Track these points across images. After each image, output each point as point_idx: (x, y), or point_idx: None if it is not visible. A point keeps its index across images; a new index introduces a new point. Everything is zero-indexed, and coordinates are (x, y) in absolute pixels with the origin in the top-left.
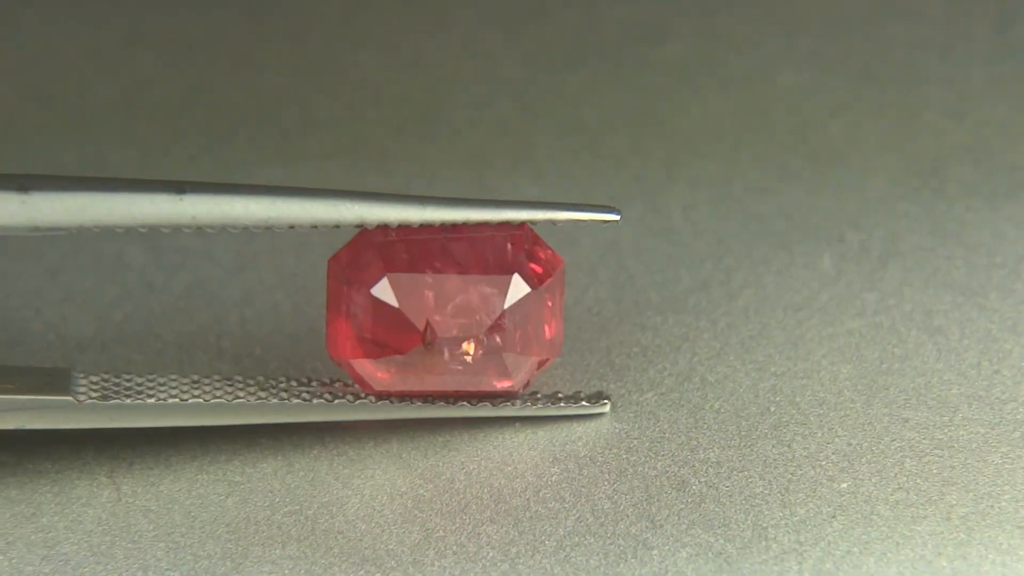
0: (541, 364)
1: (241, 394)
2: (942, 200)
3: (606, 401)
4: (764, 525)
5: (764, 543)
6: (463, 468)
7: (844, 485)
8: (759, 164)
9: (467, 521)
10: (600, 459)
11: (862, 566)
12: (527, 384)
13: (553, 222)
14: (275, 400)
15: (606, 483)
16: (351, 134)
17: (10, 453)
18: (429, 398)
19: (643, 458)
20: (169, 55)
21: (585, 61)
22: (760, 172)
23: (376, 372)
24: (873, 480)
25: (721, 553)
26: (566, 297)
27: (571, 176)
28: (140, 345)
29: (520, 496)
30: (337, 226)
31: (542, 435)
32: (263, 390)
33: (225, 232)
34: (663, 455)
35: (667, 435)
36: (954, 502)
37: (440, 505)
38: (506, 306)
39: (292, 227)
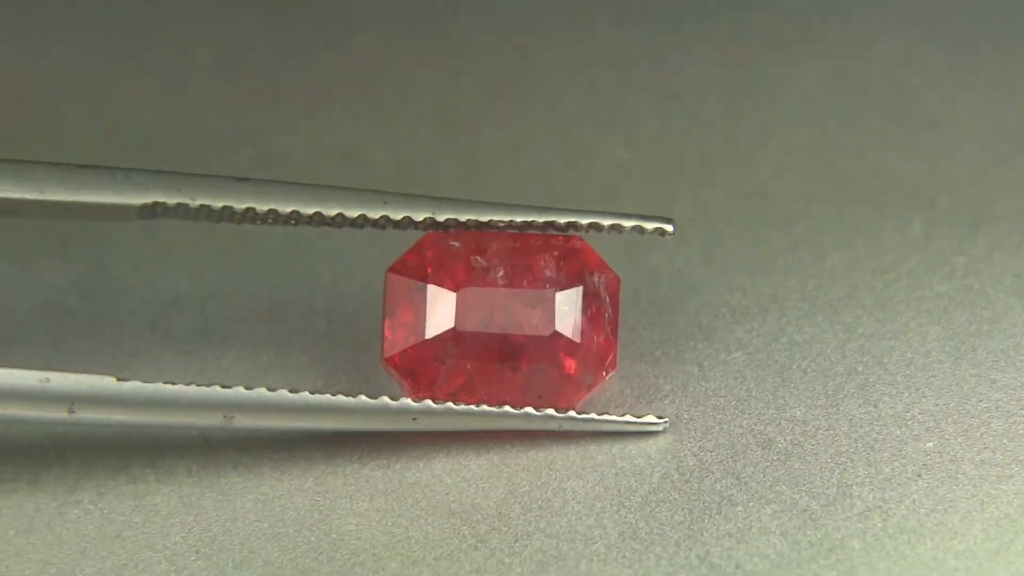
0: (596, 380)
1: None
2: None
3: (663, 420)
4: (849, 483)
5: (848, 500)
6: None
7: (930, 444)
8: (852, 128)
9: (552, 477)
10: (687, 417)
11: (947, 524)
12: (585, 398)
13: (601, 227)
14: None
15: (692, 440)
16: (444, 98)
17: None
18: (493, 406)
19: (730, 416)
20: (265, 18)
21: (679, 26)
22: (852, 136)
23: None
24: (959, 440)
25: (806, 510)
26: (658, 259)
27: (664, 141)
28: (232, 302)
29: (606, 453)
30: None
31: (629, 392)
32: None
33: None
34: (749, 413)
35: (754, 394)
36: None
37: (526, 461)
38: (561, 320)
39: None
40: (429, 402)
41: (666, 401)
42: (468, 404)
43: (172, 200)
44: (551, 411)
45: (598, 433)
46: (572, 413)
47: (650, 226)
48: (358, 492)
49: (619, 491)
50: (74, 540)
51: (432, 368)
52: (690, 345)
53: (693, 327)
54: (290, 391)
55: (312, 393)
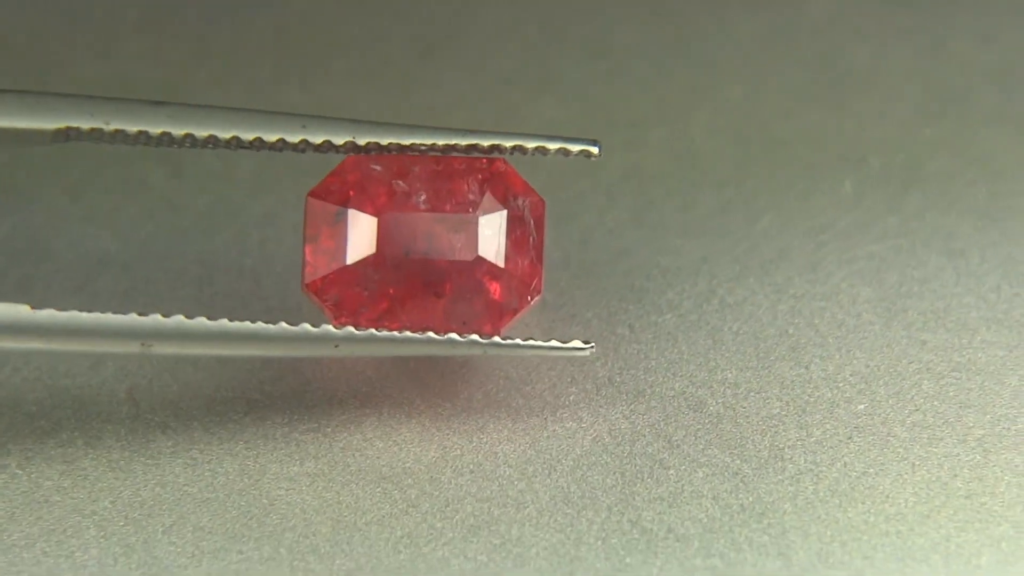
0: (521, 305)
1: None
2: (965, 126)
3: (589, 345)
4: (781, 446)
5: (780, 463)
6: (481, 388)
7: (861, 407)
8: (783, 89)
9: (484, 440)
10: (618, 380)
11: (878, 487)
12: (510, 323)
13: (525, 150)
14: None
15: (624, 403)
16: (374, 57)
17: (31, 368)
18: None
19: (661, 379)
20: None
21: None
22: (783, 97)
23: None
24: (890, 402)
25: (738, 473)
26: (588, 220)
27: (595, 100)
28: (161, 264)
29: (538, 416)
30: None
31: (560, 355)
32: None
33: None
34: (681, 376)
35: (685, 356)
36: (971, 424)
37: (457, 424)
38: (485, 244)
39: (269, 148)
40: (351, 328)
41: (597, 364)
42: (391, 330)
43: (86, 125)
44: (475, 337)
45: (533, 392)
46: (496, 339)
47: (575, 148)
48: (288, 456)
49: (551, 455)
50: (1, 505)
51: (354, 294)
52: (621, 307)
53: (624, 289)
54: (208, 318)
55: (231, 321)
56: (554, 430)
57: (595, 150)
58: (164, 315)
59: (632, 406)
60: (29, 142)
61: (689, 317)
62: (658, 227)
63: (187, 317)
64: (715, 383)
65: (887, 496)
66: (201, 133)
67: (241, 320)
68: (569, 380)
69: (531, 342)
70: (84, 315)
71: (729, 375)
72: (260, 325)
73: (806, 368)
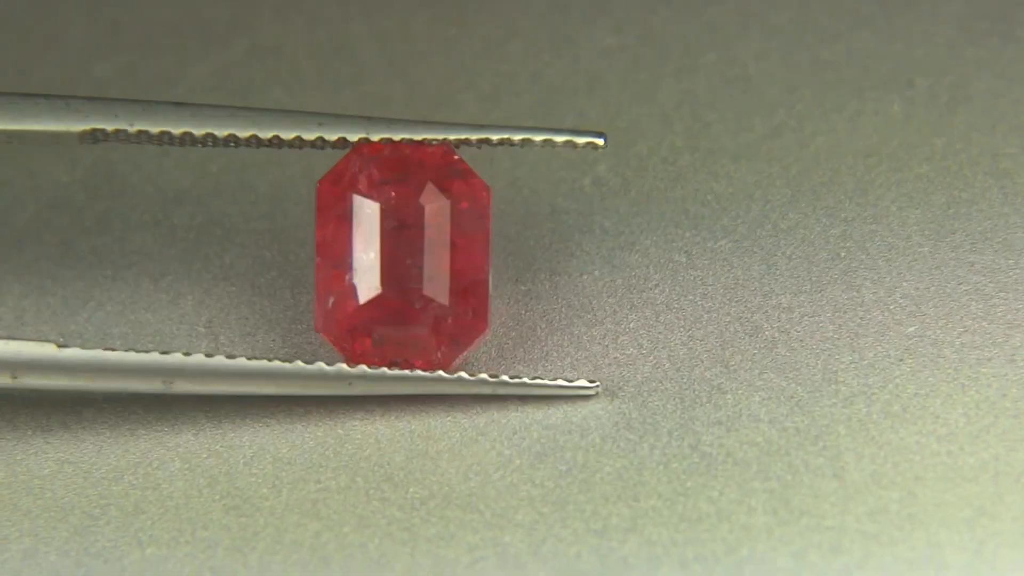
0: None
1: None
2: (1011, 44)
3: (594, 384)
4: (834, 369)
5: (834, 386)
6: (544, 316)
7: (912, 329)
8: (831, 12)
9: (548, 368)
10: (676, 306)
11: (929, 408)
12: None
13: (532, 143)
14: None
15: (682, 329)
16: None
17: (114, 303)
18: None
19: (717, 304)
20: None
21: None
22: (832, 20)
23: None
24: (940, 323)
25: (792, 396)
26: (644, 147)
27: (646, 26)
28: (234, 197)
29: (599, 343)
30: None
31: (620, 282)
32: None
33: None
34: (737, 301)
35: (741, 281)
36: (1019, 344)
37: (522, 353)
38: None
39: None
40: (364, 367)
41: (656, 291)
42: (402, 369)
43: (111, 126)
44: (484, 376)
45: (594, 320)
46: (505, 378)
47: (582, 140)
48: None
49: (613, 381)
50: (89, 439)
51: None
52: (678, 233)
53: (680, 214)
54: (227, 357)
55: (249, 360)
56: (615, 356)
57: (600, 142)
58: (185, 353)
59: (690, 332)
60: (59, 143)
61: (743, 243)
62: (711, 153)
63: (207, 356)
64: (769, 308)
65: (938, 417)
66: (221, 132)
67: (258, 358)
68: (629, 307)
69: (539, 380)
70: (109, 355)
71: (783, 300)
72: (277, 364)
73: (857, 291)
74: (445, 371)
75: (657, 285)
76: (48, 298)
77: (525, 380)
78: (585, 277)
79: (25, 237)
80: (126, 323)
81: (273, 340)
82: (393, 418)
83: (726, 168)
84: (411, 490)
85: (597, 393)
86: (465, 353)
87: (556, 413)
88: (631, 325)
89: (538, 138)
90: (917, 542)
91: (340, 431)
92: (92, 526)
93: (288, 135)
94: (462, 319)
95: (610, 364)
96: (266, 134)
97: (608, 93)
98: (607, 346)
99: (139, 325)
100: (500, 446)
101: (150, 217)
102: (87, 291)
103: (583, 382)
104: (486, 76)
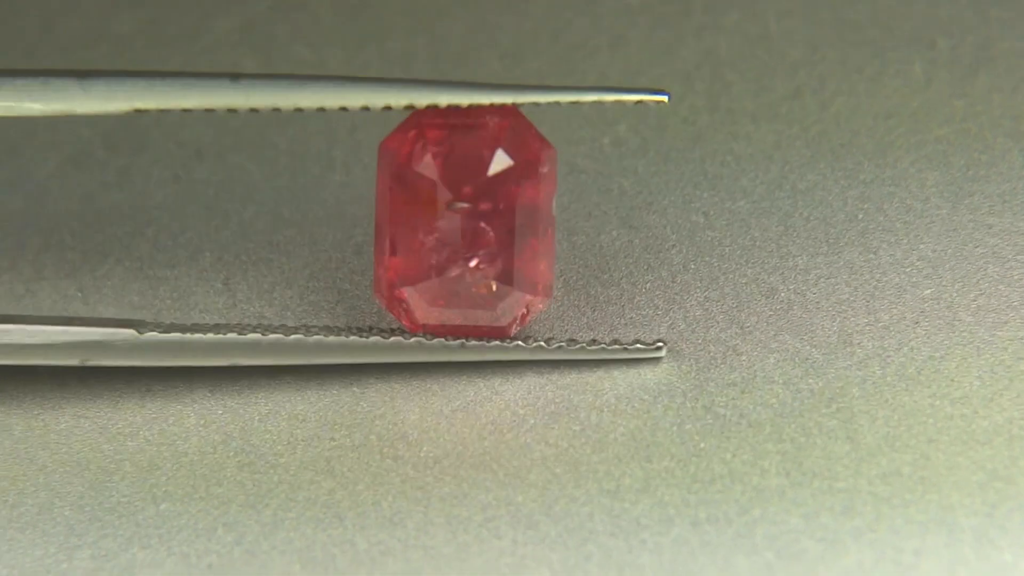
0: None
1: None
2: None
3: (660, 345)
4: (849, 331)
5: (849, 348)
6: (561, 277)
7: (928, 291)
8: None
9: (564, 328)
10: (692, 267)
11: (943, 371)
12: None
13: (603, 104)
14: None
15: (698, 290)
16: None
17: (132, 260)
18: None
19: (734, 265)
20: None
21: None
22: None
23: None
24: (956, 286)
25: (807, 358)
26: (663, 106)
27: None
28: (255, 153)
29: (615, 304)
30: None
31: (637, 243)
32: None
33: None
34: (753, 263)
35: (758, 243)
36: None
37: (539, 315)
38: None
39: (344, 108)
40: (420, 337)
41: (672, 252)
42: (458, 337)
43: (162, 106)
44: (541, 343)
45: (611, 280)
46: (561, 344)
47: (650, 100)
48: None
49: (627, 342)
50: (106, 394)
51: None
52: (696, 194)
53: (698, 175)
54: (286, 333)
55: (307, 335)
56: (631, 317)
57: (665, 99)
58: (255, 328)
59: (706, 292)
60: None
61: (761, 204)
62: (731, 113)
63: (263, 334)
64: (786, 269)
65: (952, 380)
66: (287, 106)
67: (315, 332)
68: (646, 268)
69: (598, 345)
70: (185, 337)
71: (800, 261)
72: (334, 339)
73: (874, 253)
74: (501, 340)
75: (674, 246)
76: (67, 252)
77: (584, 345)
78: (603, 237)
79: (46, 191)
80: (144, 278)
81: (291, 297)
82: (408, 376)
83: (746, 128)
84: (425, 449)
85: (662, 356)
86: (524, 324)
87: (570, 373)
88: (647, 286)
89: (608, 98)
90: (930, 505)
91: (355, 388)
92: (107, 481)
93: (355, 104)
94: (525, 287)
95: (625, 324)
96: (333, 104)
97: (629, 52)
98: (623, 306)
99: (157, 281)
100: (514, 406)
101: (170, 173)
102: (106, 246)
103: (641, 345)
104: (508, 33)
